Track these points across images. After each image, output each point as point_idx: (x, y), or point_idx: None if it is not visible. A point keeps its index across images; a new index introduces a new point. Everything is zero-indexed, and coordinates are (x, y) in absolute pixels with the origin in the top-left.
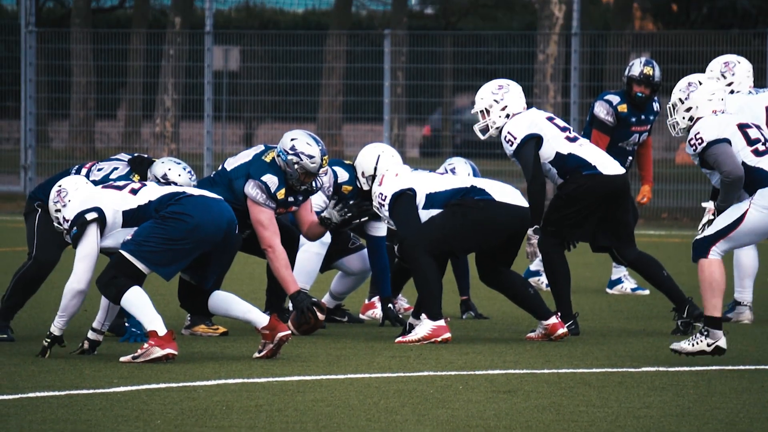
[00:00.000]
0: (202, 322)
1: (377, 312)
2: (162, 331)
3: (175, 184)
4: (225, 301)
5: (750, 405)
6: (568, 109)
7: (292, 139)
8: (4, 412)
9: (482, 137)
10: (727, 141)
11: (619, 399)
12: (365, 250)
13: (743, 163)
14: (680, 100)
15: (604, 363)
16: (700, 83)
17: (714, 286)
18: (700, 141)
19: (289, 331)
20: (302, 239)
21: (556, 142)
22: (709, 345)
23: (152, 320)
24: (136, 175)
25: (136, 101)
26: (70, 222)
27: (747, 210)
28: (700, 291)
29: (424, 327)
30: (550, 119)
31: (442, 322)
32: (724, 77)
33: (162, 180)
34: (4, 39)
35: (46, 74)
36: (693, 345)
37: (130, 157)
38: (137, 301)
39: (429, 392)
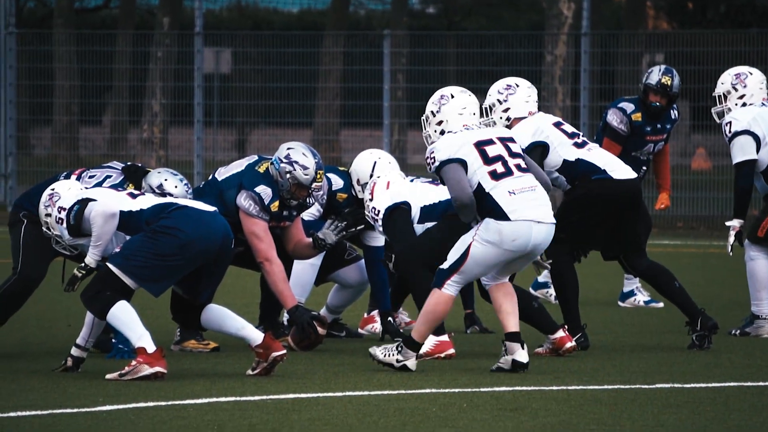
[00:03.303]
0: (192, 337)
1: (377, 326)
2: (151, 348)
3: (171, 195)
4: (218, 315)
5: None
6: (578, 113)
7: (288, 148)
8: None
9: None
10: (460, 161)
11: (632, 417)
12: (362, 261)
13: (479, 186)
14: (432, 112)
15: (616, 379)
16: (452, 96)
17: (430, 317)
18: (432, 160)
19: (284, 351)
20: None
21: (563, 149)
22: (398, 361)
23: (140, 336)
24: (130, 185)
25: (123, 106)
26: (67, 208)
27: (470, 244)
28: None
29: (427, 342)
30: (557, 125)
31: (445, 337)
32: (736, 89)
33: (157, 191)
34: None
35: (28, 78)
36: (385, 356)
37: (123, 165)
38: (124, 317)
39: (431, 411)
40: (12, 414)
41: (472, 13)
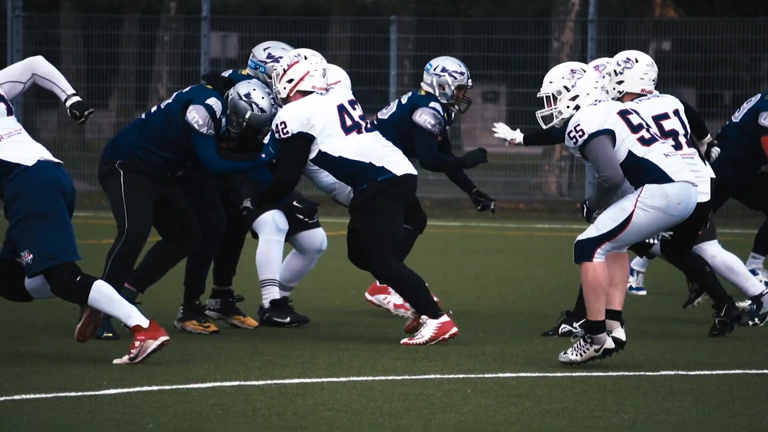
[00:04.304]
0: (194, 317)
1: (390, 298)
2: (144, 322)
3: (256, 105)
4: (108, 296)
5: None
6: None
7: (265, 49)
8: None
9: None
10: (610, 132)
11: (636, 404)
12: (321, 228)
13: (630, 154)
14: (565, 87)
15: (621, 366)
16: (584, 70)
17: (598, 291)
18: (580, 133)
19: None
20: (260, 229)
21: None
22: (597, 350)
23: (129, 314)
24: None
25: (129, 90)
26: None
27: (633, 211)
28: (583, 294)
29: (429, 327)
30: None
31: (445, 318)
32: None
33: (244, 98)
34: None
35: None
36: (581, 355)
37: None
38: (105, 297)
39: (435, 396)
40: (16, 397)
41: None
